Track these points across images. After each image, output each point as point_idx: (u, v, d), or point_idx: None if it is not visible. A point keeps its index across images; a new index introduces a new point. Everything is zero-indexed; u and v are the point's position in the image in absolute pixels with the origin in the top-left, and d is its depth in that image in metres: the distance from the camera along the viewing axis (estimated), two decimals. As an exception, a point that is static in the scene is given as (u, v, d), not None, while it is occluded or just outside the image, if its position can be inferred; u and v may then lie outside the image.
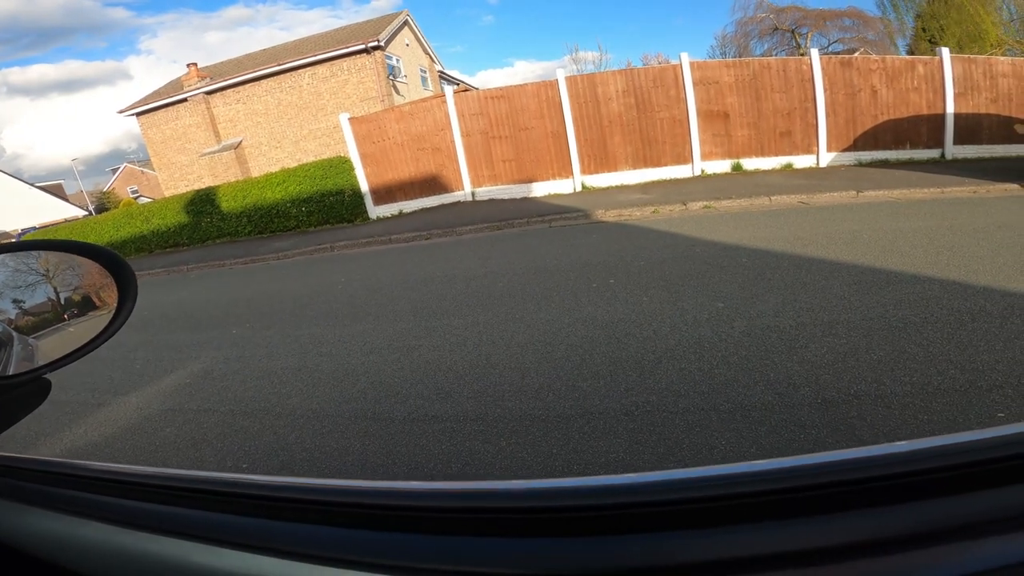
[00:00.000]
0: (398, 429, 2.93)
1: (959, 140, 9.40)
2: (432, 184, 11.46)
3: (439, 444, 2.70)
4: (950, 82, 9.25)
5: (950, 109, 9.33)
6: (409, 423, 2.96)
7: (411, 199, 11.55)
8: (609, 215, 8.48)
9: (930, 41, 18.32)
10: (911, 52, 20.32)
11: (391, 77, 17.83)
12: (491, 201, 11.12)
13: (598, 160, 10.86)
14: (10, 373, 0.79)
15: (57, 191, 34.51)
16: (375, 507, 0.54)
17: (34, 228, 22.39)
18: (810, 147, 10.16)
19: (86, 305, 0.91)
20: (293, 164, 13.77)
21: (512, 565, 0.46)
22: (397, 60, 18.85)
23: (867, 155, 9.88)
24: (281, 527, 0.56)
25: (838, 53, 20.29)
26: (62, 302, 0.90)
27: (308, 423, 3.15)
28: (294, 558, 0.53)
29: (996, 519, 0.40)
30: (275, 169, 13.78)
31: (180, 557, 0.58)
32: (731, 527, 0.43)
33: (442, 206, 11.39)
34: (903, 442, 0.44)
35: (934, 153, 9.60)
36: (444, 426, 2.86)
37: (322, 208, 11.70)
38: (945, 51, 9.29)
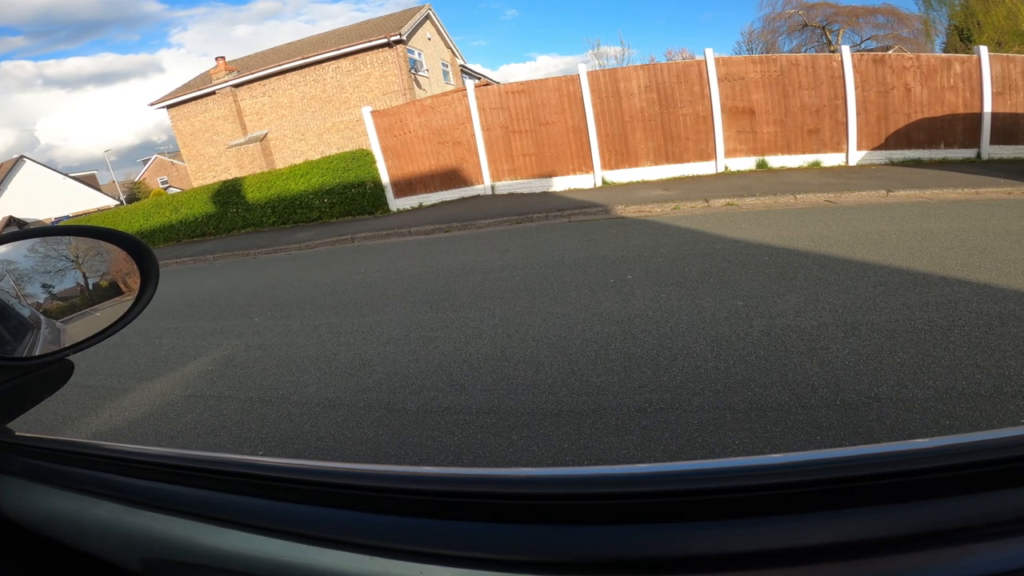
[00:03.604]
0: (411, 420, 2.96)
1: (996, 140, 9.11)
2: (452, 177, 11.50)
3: (451, 436, 2.72)
4: (988, 81, 8.97)
5: (987, 108, 9.05)
6: (422, 414, 3.00)
7: (431, 192, 11.61)
8: (629, 211, 8.41)
9: (964, 39, 17.70)
10: (946, 50, 19.69)
11: (413, 71, 17.89)
12: (511, 195, 11.12)
13: (619, 155, 10.77)
14: (36, 354, 0.82)
15: (90, 181, 35.53)
16: (377, 490, 0.55)
17: (67, 217, 23.16)
18: (839, 145, 9.93)
19: (113, 291, 0.92)
20: (316, 156, 13.97)
21: (511, 551, 0.47)
22: (419, 54, 18.90)
23: (899, 154, 9.63)
24: (285, 508, 0.57)
25: (871, 50, 19.76)
26: (90, 288, 0.91)
27: (324, 412, 3.21)
28: (298, 539, 0.53)
29: (1012, 520, 0.39)
30: (299, 161, 13.96)
31: (186, 538, 0.60)
32: (733, 520, 0.42)
33: (462, 199, 11.43)
34: (915, 440, 0.43)
35: (969, 153, 9.31)
36: (457, 418, 2.88)
37: (344, 200, 11.84)
38: (983, 49, 9.02)
